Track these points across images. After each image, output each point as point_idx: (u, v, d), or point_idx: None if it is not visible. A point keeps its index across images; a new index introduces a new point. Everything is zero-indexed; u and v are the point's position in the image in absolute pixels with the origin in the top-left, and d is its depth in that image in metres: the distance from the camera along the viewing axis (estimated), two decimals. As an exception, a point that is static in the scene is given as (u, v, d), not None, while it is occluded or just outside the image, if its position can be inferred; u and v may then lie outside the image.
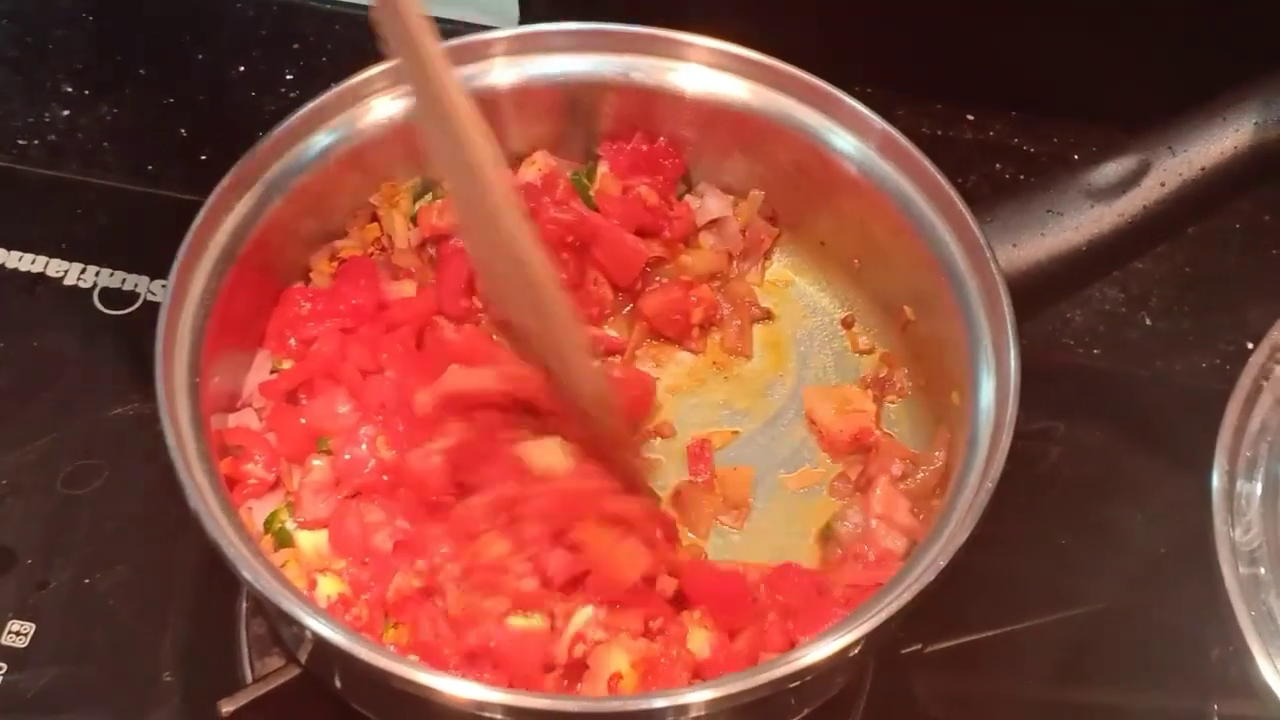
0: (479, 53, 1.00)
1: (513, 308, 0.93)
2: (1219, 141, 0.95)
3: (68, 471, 1.06)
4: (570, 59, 1.01)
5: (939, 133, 1.28)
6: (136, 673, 0.98)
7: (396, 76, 0.98)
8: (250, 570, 0.80)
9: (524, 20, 1.34)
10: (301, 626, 0.78)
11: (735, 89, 1.01)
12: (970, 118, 1.29)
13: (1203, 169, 0.95)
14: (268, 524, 0.91)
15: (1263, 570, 0.88)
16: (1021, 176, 1.26)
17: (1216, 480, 0.91)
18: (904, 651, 0.99)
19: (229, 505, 0.84)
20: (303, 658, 0.85)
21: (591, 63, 1.01)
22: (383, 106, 0.98)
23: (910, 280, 0.98)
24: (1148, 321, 1.18)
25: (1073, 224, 0.94)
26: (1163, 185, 0.95)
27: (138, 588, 1.01)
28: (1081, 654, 1.01)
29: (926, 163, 0.95)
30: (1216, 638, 0.96)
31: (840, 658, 0.79)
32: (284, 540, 0.91)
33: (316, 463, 0.93)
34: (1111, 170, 0.95)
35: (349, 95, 0.98)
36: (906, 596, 0.79)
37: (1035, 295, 0.94)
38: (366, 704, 0.88)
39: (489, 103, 0.99)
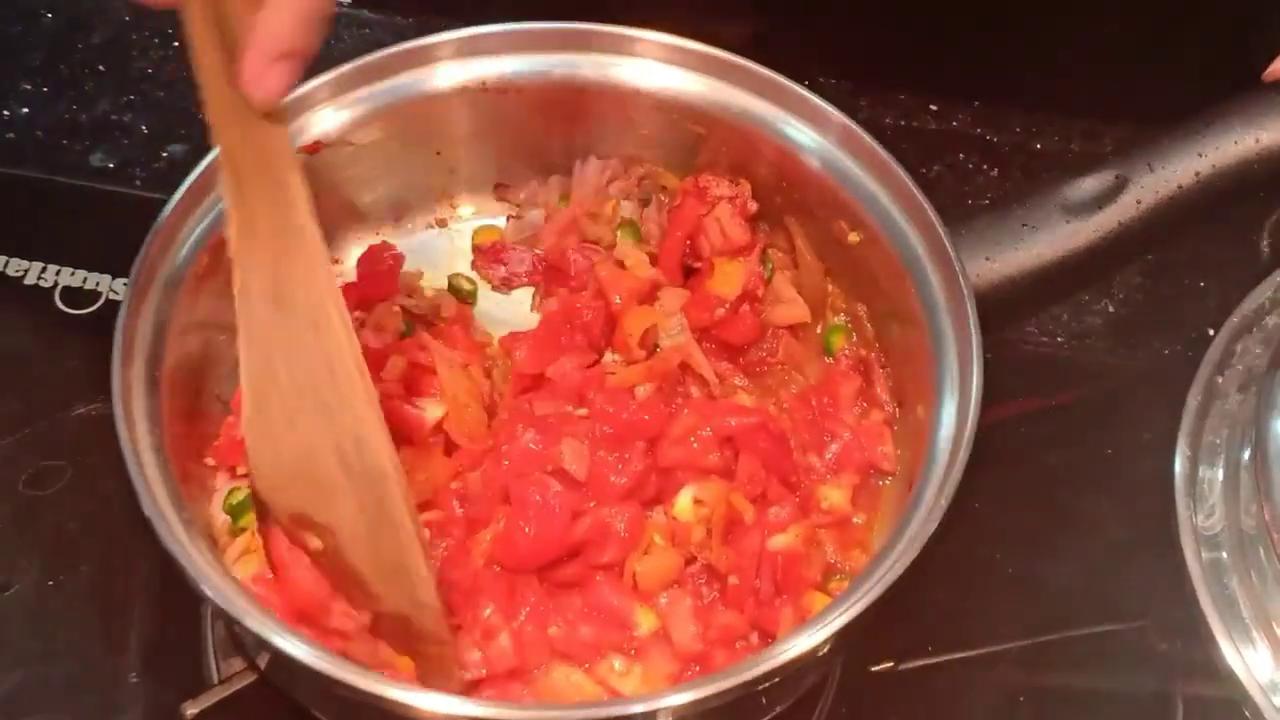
0: (425, 57, 0.99)
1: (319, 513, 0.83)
2: (1197, 160, 0.95)
3: (30, 473, 1.05)
4: (519, 59, 1.00)
5: (902, 123, 1.28)
6: (102, 675, 0.97)
7: (342, 85, 0.98)
8: (210, 585, 0.79)
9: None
10: (257, 638, 0.77)
11: (692, 84, 1.00)
12: (933, 108, 1.29)
13: (1180, 187, 0.94)
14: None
15: (1224, 554, 0.89)
16: (985, 166, 1.26)
17: (1179, 466, 0.92)
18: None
19: (186, 511, 0.83)
20: (262, 666, 0.85)
21: (542, 62, 1.00)
22: (332, 116, 0.99)
23: (883, 290, 0.98)
24: (1110, 309, 1.18)
25: (1047, 239, 0.93)
26: (1139, 203, 0.94)
27: (102, 589, 1.00)
28: (1045, 639, 1.01)
29: (903, 174, 0.95)
30: (1180, 621, 0.97)
31: (809, 658, 0.79)
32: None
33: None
34: (1089, 186, 0.94)
35: (304, 101, 0.97)
36: (869, 599, 0.80)
37: (1006, 309, 0.94)
38: (327, 712, 0.87)
39: (438, 108, 1.00)
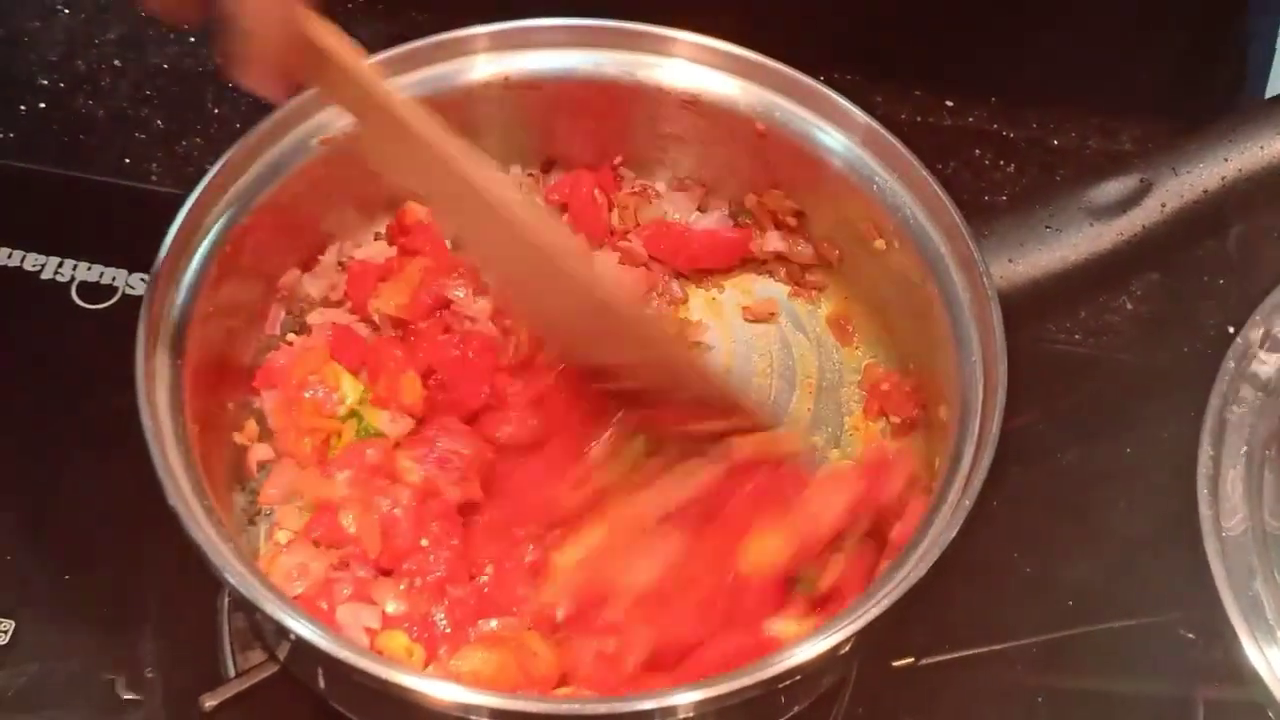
0: (460, 49, 0.99)
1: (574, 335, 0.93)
2: (1222, 165, 0.94)
3: (46, 467, 1.05)
4: (554, 55, 1.00)
5: (918, 119, 1.28)
6: (118, 669, 0.97)
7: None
8: (234, 574, 0.79)
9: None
10: (283, 628, 0.77)
11: (722, 85, 1.00)
12: (949, 104, 1.29)
13: (1205, 192, 0.94)
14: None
15: (1248, 555, 0.89)
16: (1001, 163, 1.26)
17: (1201, 465, 0.91)
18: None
19: (208, 499, 0.83)
20: (282, 656, 0.85)
21: (574, 59, 1.00)
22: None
23: (903, 293, 0.98)
24: (1130, 306, 1.18)
25: (1071, 241, 0.93)
26: (1163, 206, 0.94)
27: (118, 583, 1.00)
28: (1066, 641, 1.01)
29: (928, 176, 0.94)
30: (1203, 623, 0.96)
31: (828, 658, 0.79)
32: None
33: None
34: (1113, 189, 0.94)
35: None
36: (891, 599, 0.80)
37: (1029, 311, 0.94)
38: (350, 705, 0.87)
39: (464, 103, 0.99)
